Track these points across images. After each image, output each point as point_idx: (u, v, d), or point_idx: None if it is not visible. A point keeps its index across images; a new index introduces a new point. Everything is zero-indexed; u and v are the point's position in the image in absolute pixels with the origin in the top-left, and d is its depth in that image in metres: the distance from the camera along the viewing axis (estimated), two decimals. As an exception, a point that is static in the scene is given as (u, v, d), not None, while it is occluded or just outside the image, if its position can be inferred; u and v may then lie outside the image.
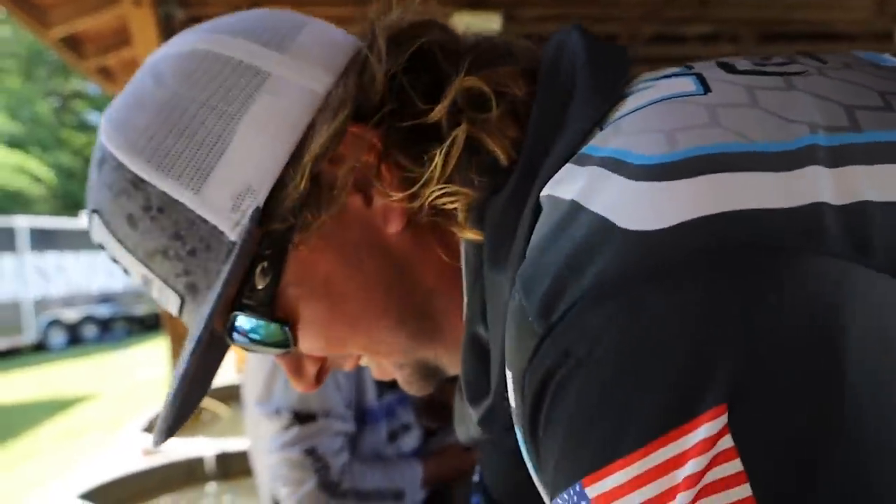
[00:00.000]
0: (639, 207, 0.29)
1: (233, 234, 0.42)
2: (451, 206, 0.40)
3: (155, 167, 0.42)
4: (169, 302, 0.45)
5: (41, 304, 12.74)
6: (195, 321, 0.44)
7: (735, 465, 0.26)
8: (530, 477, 0.37)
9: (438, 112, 0.40)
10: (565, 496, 0.30)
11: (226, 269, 0.42)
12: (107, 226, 0.45)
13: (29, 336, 12.43)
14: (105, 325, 14.19)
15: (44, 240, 12.79)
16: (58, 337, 13.10)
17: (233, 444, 2.51)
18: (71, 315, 13.34)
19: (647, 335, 0.27)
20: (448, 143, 0.39)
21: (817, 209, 0.28)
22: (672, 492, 0.26)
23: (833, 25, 4.48)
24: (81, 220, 15.04)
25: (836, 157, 0.30)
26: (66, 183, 20.93)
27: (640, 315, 0.28)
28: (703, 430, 0.26)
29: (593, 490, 0.29)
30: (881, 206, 0.28)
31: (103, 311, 14.12)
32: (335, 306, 0.45)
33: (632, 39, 3.87)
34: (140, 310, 15.01)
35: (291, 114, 0.42)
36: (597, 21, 3.79)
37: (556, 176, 0.35)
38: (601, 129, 0.35)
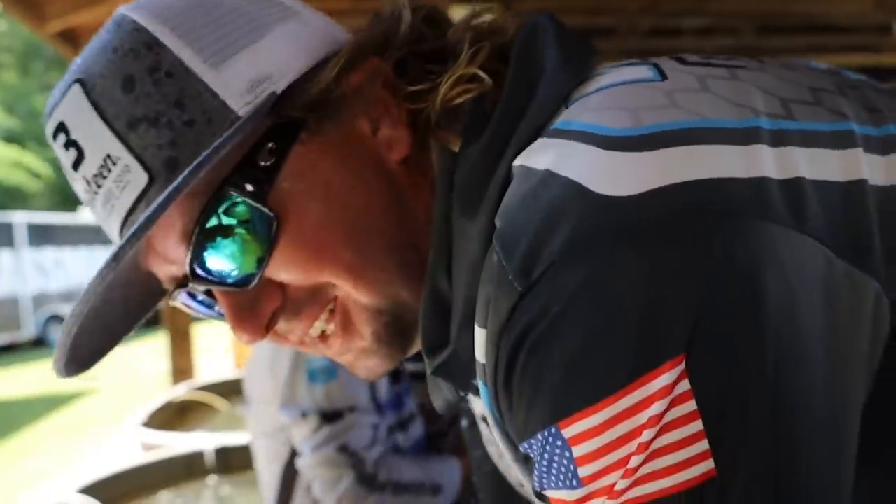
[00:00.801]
0: (609, 174, 0.32)
1: (242, 112, 0.41)
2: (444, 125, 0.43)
3: (178, 35, 0.42)
4: (128, 187, 0.41)
5: (39, 300, 12.73)
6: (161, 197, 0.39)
7: (690, 406, 0.30)
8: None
9: (454, 34, 0.43)
10: (539, 437, 0.34)
11: (226, 134, 0.39)
12: (88, 93, 0.41)
13: (27, 332, 12.42)
14: (103, 321, 14.19)
15: (42, 235, 12.78)
16: (56, 332, 13.10)
17: (232, 439, 2.52)
18: (69, 310, 13.33)
19: (615, 293, 0.31)
20: (458, 64, 0.42)
21: (764, 181, 0.32)
22: (639, 430, 0.30)
23: (832, 18, 4.48)
24: (80, 216, 15.03)
25: (777, 139, 0.34)
26: (63, 178, 20.80)
27: (609, 274, 0.31)
28: (666, 377, 0.30)
29: (569, 431, 0.32)
30: (813, 184, 0.33)
31: (102, 306, 14.12)
32: (333, 210, 0.43)
33: (629, 32, 3.86)
34: (138, 305, 15.02)
35: (317, 37, 0.45)
36: (594, 13, 3.78)
37: (529, 148, 0.37)
38: (566, 107, 0.38)
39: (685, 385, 0.30)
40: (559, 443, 0.33)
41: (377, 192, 0.44)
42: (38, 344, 12.60)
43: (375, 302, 0.45)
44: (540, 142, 0.37)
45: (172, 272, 0.44)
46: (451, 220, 0.41)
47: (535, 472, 0.36)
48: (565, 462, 0.33)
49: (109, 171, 0.41)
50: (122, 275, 0.44)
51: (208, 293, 0.46)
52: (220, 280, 0.43)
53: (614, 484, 0.31)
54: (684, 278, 0.30)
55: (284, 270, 0.43)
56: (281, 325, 0.46)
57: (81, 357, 0.46)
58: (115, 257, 0.38)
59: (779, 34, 4.29)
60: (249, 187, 0.41)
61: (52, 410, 7.35)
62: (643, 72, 0.39)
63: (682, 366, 0.30)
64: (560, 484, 0.34)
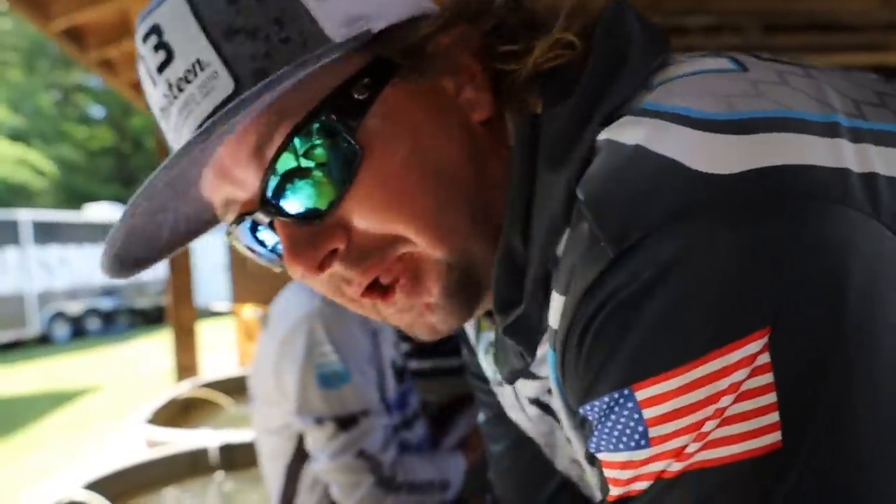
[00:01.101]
0: (706, 153, 0.33)
1: (337, 40, 0.42)
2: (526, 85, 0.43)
3: None
4: (212, 94, 0.41)
5: (44, 298, 12.77)
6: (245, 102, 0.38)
7: (768, 377, 0.31)
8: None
9: (545, 6, 0.44)
10: (605, 399, 0.35)
11: (319, 51, 0.39)
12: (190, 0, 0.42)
13: (32, 329, 12.46)
14: (108, 318, 14.23)
15: (47, 233, 12.81)
16: (61, 330, 13.14)
17: (236, 436, 2.52)
18: (74, 308, 13.37)
19: (709, 263, 0.32)
20: (556, 34, 0.42)
21: (846, 172, 0.33)
22: (717, 395, 0.31)
23: (837, 16, 4.45)
24: (85, 214, 15.06)
25: (854, 136, 0.35)
26: (68, 176, 20.94)
27: (704, 246, 0.32)
28: (750, 347, 0.31)
29: (643, 394, 0.33)
30: (886, 179, 0.34)
31: (106, 303, 14.15)
32: (418, 155, 0.43)
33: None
34: (143, 303, 15.04)
35: None
36: (599, 12, 3.77)
37: (617, 124, 0.38)
38: (649, 87, 0.39)
39: (766, 357, 0.31)
40: (630, 405, 0.34)
41: (460, 145, 0.45)
42: (43, 341, 12.64)
43: (448, 256, 0.44)
44: (628, 119, 0.38)
45: (235, 196, 0.43)
46: (533, 180, 0.41)
47: (594, 435, 0.37)
48: (632, 423, 0.34)
49: (195, 76, 0.41)
50: (178, 191, 0.44)
51: (270, 224, 0.44)
52: (289, 209, 0.42)
53: (685, 446, 0.32)
54: (775, 256, 0.31)
55: (358, 210, 0.42)
56: (339, 270, 0.44)
57: (126, 261, 0.46)
58: (186, 149, 0.37)
59: (784, 32, 4.27)
60: (339, 117, 0.41)
61: (56, 407, 7.38)
62: (723, 63, 0.40)
63: (767, 338, 0.31)
64: (622, 446, 0.35)
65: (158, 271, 14.48)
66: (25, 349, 11.95)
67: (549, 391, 0.51)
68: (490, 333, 0.57)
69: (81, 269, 13.68)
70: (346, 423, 1.25)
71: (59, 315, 13.10)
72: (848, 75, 0.42)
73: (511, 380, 0.50)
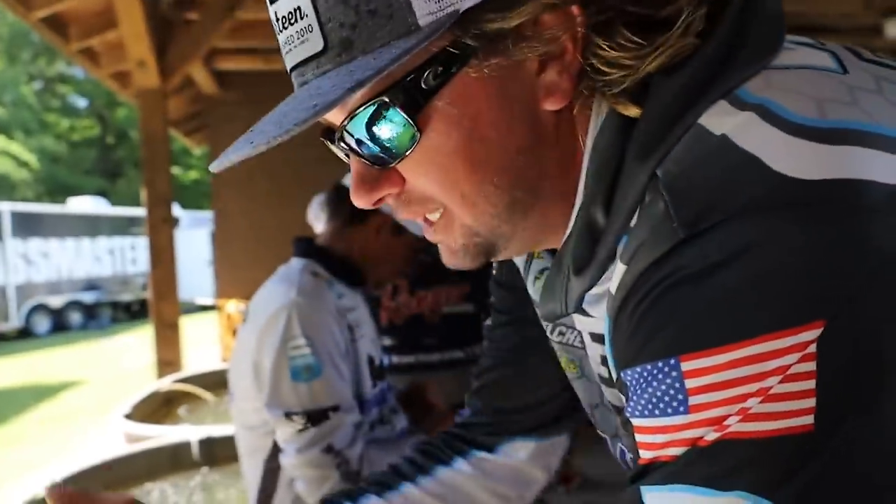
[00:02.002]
0: (789, 157, 0.36)
1: (422, 20, 0.41)
2: (620, 86, 0.43)
3: None
4: (305, 45, 0.44)
5: (25, 290, 12.62)
6: (330, 76, 0.43)
7: (811, 366, 0.33)
8: None
9: (675, 11, 0.42)
10: (648, 367, 0.38)
11: (402, 44, 0.41)
12: None
13: (12, 322, 12.33)
14: (90, 312, 14.10)
15: (27, 225, 12.66)
16: (42, 323, 13.00)
17: (218, 430, 2.51)
18: (55, 301, 13.23)
19: (775, 255, 0.34)
20: (673, 36, 0.41)
21: None
22: (764, 375, 0.34)
23: (822, 19, 4.50)
24: (67, 206, 14.89)
25: None
26: (50, 167, 20.68)
27: (774, 240, 0.34)
28: (803, 336, 0.33)
29: (689, 365, 0.36)
30: None
31: (88, 297, 14.02)
32: (471, 142, 0.45)
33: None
34: (126, 297, 14.92)
35: None
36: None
37: (711, 110, 0.39)
38: (752, 76, 0.40)
39: (814, 347, 0.33)
40: (674, 373, 0.36)
41: (517, 135, 0.46)
42: (23, 335, 12.50)
43: (476, 226, 0.49)
44: (722, 106, 0.39)
45: (331, 121, 0.48)
46: (620, 164, 0.43)
47: (630, 400, 0.40)
48: (672, 391, 0.36)
49: (295, 21, 0.44)
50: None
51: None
52: (358, 153, 0.47)
53: (725, 417, 0.34)
54: (835, 258, 0.34)
55: (409, 176, 0.47)
56: (391, 202, 0.50)
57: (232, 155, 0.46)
58: (288, 131, 0.41)
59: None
60: (407, 100, 0.43)
61: (37, 402, 7.30)
62: (826, 59, 0.42)
63: (820, 330, 0.33)
64: (657, 412, 0.37)
65: (142, 265, 14.38)
66: (5, 343, 11.81)
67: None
68: (540, 263, 0.60)
69: (63, 262, 13.54)
70: (315, 417, 1.24)
71: (40, 308, 12.96)
72: None
73: (548, 318, 0.55)
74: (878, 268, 0.34)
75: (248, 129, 0.47)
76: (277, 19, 0.46)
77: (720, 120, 0.39)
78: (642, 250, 0.39)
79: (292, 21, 0.44)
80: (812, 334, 0.33)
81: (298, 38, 0.44)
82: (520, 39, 0.43)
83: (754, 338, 0.34)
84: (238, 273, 5.72)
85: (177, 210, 12.54)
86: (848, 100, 0.38)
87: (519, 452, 0.81)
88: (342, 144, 0.47)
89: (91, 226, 14.20)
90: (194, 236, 14.13)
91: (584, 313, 0.51)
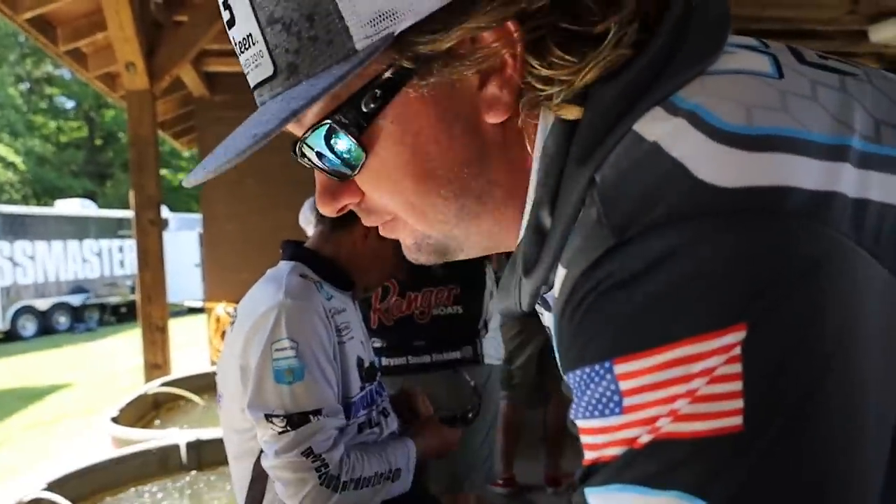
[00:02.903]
0: (714, 165, 0.37)
1: (359, 44, 0.43)
2: (556, 94, 0.44)
3: None
4: (259, 68, 0.46)
5: (11, 293, 12.50)
6: (280, 99, 0.45)
7: (737, 367, 0.34)
8: None
9: (607, 25, 0.42)
10: (587, 370, 0.39)
11: (339, 70, 0.43)
12: None
13: (-2, 325, 12.21)
14: (77, 314, 13.98)
15: (14, 227, 12.54)
16: (28, 326, 12.88)
17: (206, 434, 2.50)
18: (42, 304, 13.11)
19: (698, 261, 0.35)
20: (604, 51, 0.42)
21: (835, 196, 0.37)
22: (691, 377, 0.35)
23: (806, 23, 4.55)
24: (55, 208, 14.76)
25: (862, 161, 0.38)
26: (37, 169, 20.49)
27: (697, 246, 0.36)
28: (726, 339, 0.34)
29: (621, 368, 0.37)
30: (878, 205, 0.38)
31: (75, 299, 13.90)
32: (415, 157, 0.47)
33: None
34: (114, 299, 14.81)
35: None
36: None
37: (646, 116, 0.41)
38: (688, 81, 0.42)
39: (738, 350, 0.34)
40: (608, 376, 0.38)
41: (461, 148, 0.47)
42: (9, 337, 12.37)
43: (427, 230, 0.52)
44: (655, 112, 0.41)
45: (294, 133, 0.51)
46: (563, 169, 0.44)
47: (573, 402, 0.41)
48: (609, 393, 0.38)
49: (249, 46, 0.47)
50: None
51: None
52: (316, 166, 0.50)
53: (656, 418, 0.36)
54: (755, 263, 0.35)
55: (363, 187, 0.51)
56: (355, 210, 0.54)
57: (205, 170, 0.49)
58: (229, 161, 0.45)
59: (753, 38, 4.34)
60: (351, 122, 0.46)
61: (24, 405, 7.23)
62: (763, 64, 0.43)
63: (744, 333, 0.34)
64: (597, 413, 0.39)
65: (130, 267, 14.27)
66: (-9, 346, 11.68)
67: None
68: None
69: (50, 264, 13.42)
70: (296, 420, 1.23)
71: (26, 310, 12.84)
72: (888, 87, 0.44)
73: (506, 315, 0.58)
74: (800, 273, 0.35)
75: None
76: (236, 43, 0.48)
77: (653, 126, 0.40)
78: (578, 255, 0.40)
79: (246, 46, 0.47)
80: (736, 337, 0.34)
81: (253, 62, 0.47)
82: (455, 59, 0.44)
83: (679, 341, 0.35)
84: (227, 275, 5.70)
85: (165, 212, 12.47)
86: (777, 105, 0.39)
87: None
88: (303, 160, 0.50)
89: (79, 228, 14.09)
90: (183, 239, 14.05)
91: (549, 308, 0.52)
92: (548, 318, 0.58)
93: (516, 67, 0.45)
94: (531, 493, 3.45)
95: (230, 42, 0.50)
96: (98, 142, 23.24)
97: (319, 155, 0.48)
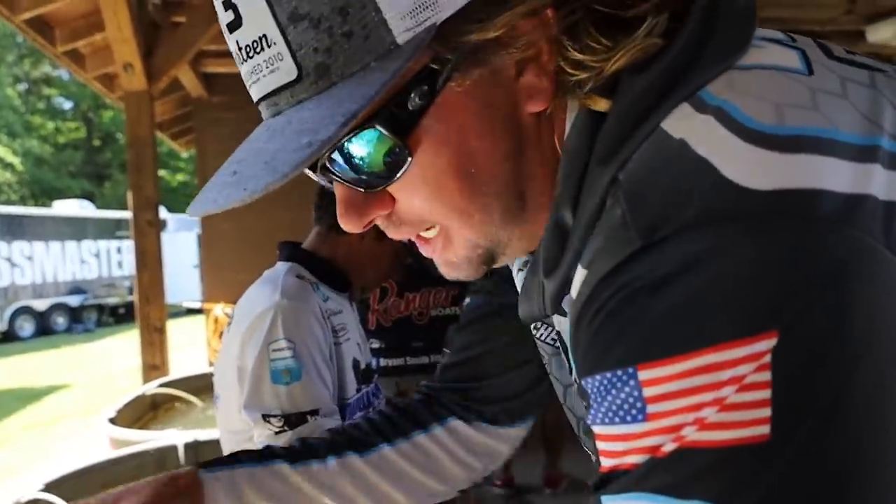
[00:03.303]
0: (744, 165, 0.36)
1: (400, 38, 0.40)
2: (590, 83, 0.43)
3: None
4: (275, 73, 0.41)
5: (9, 293, 12.48)
6: (310, 105, 0.41)
7: (767, 375, 0.33)
8: None
9: (641, 12, 0.41)
10: (608, 375, 0.37)
11: (388, 67, 0.39)
12: None
13: (-4, 326, 12.19)
14: (75, 315, 13.96)
15: (12, 228, 12.52)
16: (26, 326, 12.86)
17: (204, 434, 2.49)
18: (40, 304, 13.09)
19: (729, 266, 0.34)
20: (637, 38, 0.41)
21: (866, 199, 0.35)
22: (720, 384, 0.34)
23: (804, 24, 4.55)
24: (53, 209, 14.74)
25: (892, 162, 0.37)
26: (35, 170, 20.47)
27: (728, 250, 0.34)
28: (757, 346, 0.33)
29: (646, 374, 0.36)
30: None
31: (73, 300, 13.88)
32: (459, 155, 0.44)
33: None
34: (113, 300, 14.79)
35: None
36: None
37: (673, 113, 0.39)
38: (717, 76, 0.40)
39: (768, 358, 0.33)
40: (632, 382, 0.36)
41: (502, 142, 0.46)
42: (7, 338, 12.35)
43: (475, 238, 0.49)
44: (683, 108, 0.39)
45: None
46: (586, 166, 0.43)
47: (591, 408, 0.40)
48: (631, 400, 0.36)
49: (262, 49, 0.41)
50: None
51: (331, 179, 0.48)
52: (345, 179, 0.46)
53: (682, 426, 0.35)
54: (785, 269, 0.34)
55: (401, 197, 0.47)
56: (381, 223, 0.49)
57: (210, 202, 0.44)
58: (287, 175, 0.39)
59: (754, 39, 4.35)
60: (395, 123, 0.42)
61: (22, 406, 7.22)
62: (793, 59, 0.41)
63: (775, 341, 0.33)
64: (617, 419, 0.37)
65: (128, 268, 14.26)
66: (-11, 346, 11.66)
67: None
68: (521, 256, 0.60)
69: (48, 265, 13.41)
70: (293, 420, 1.23)
71: (25, 310, 12.82)
72: None
73: (527, 319, 0.55)
74: (831, 278, 0.34)
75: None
76: (240, 48, 0.43)
77: (680, 123, 0.39)
78: (600, 257, 0.39)
79: (258, 49, 0.42)
80: (766, 344, 0.33)
81: (267, 67, 0.42)
82: (499, 47, 0.42)
83: (708, 347, 0.34)
84: (225, 276, 5.69)
85: (163, 213, 12.45)
86: (809, 104, 0.38)
87: (490, 428, 0.84)
88: (325, 174, 0.46)
89: (77, 229, 14.06)
90: (181, 239, 14.03)
91: (564, 313, 0.51)
92: (562, 323, 0.55)
93: (552, 54, 0.43)
94: (530, 493, 3.45)
95: (229, 47, 0.44)
96: (96, 142, 23.21)
97: (346, 169, 0.44)
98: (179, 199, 20.75)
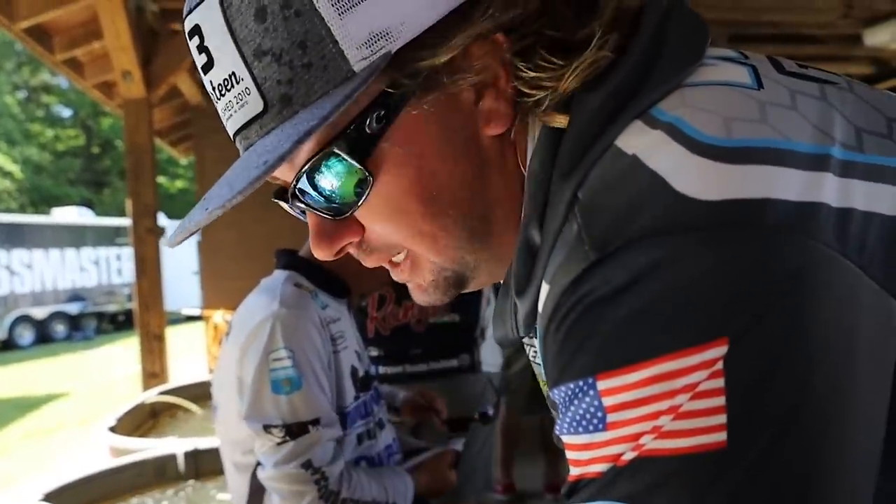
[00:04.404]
0: (693, 177, 0.36)
1: (356, 66, 0.42)
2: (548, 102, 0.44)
3: None
4: (245, 107, 0.44)
5: (8, 302, 12.47)
6: (275, 133, 0.43)
7: (720, 382, 0.34)
8: None
9: (589, 32, 0.43)
10: (571, 385, 0.39)
11: (341, 91, 0.42)
12: (224, 11, 0.44)
13: (-5, 334, 12.17)
14: (75, 323, 13.94)
15: (11, 236, 12.52)
16: (26, 335, 12.84)
17: (204, 443, 2.49)
18: (39, 312, 13.07)
19: (679, 276, 0.35)
20: (588, 54, 0.42)
21: (818, 206, 0.36)
22: (673, 392, 0.34)
23: (801, 28, 4.56)
24: (52, 217, 14.73)
25: (844, 170, 0.38)
26: (34, 177, 20.47)
27: (677, 260, 0.35)
28: (707, 354, 0.34)
29: (604, 384, 0.37)
30: (862, 214, 0.37)
31: (73, 308, 13.86)
32: (420, 179, 0.46)
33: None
34: (112, 307, 14.77)
35: None
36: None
37: (627, 130, 0.40)
38: (668, 93, 0.41)
39: (720, 364, 0.34)
40: (592, 392, 0.37)
41: (463, 165, 0.47)
42: (6, 346, 12.33)
43: (442, 261, 0.50)
44: (636, 125, 0.40)
45: (282, 178, 0.49)
46: (550, 184, 0.44)
47: (559, 418, 0.41)
48: (592, 409, 0.37)
49: (232, 86, 0.45)
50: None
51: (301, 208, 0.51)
52: (313, 207, 0.48)
53: (640, 434, 0.35)
54: (736, 277, 0.34)
55: (367, 221, 0.49)
56: (354, 252, 0.51)
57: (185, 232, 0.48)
58: (241, 192, 0.42)
59: (750, 43, 4.36)
60: (354, 147, 0.44)
61: (21, 414, 7.20)
62: (743, 75, 0.42)
63: (726, 348, 0.34)
64: (581, 429, 0.38)
65: (127, 276, 14.25)
66: (-12, 355, 11.64)
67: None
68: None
69: (47, 272, 13.39)
70: (294, 431, 1.22)
71: (24, 319, 12.80)
72: (871, 96, 0.44)
73: (502, 344, 0.56)
74: (782, 286, 0.34)
75: (232, 139, 0.47)
76: (214, 88, 0.46)
77: (633, 139, 0.40)
78: (561, 271, 0.40)
79: (228, 87, 0.45)
80: (717, 352, 0.34)
81: (238, 102, 0.45)
82: (453, 72, 0.44)
83: (661, 357, 0.35)
84: (224, 283, 5.69)
85: (163, 220, 12.44)
86: (757, 117, 0.39)
87: None
88: (297, 203, 0.48)
89: (76, 236, 14.06)
90: (180, 246, 13.99)
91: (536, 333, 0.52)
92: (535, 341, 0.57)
93: (508, 77, 0.45)
94: (530, 500, 3.44)
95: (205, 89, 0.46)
96: (95, 150, 23.22)
97: (313, 196, 0.46)
98: (178, 206, 20.75)
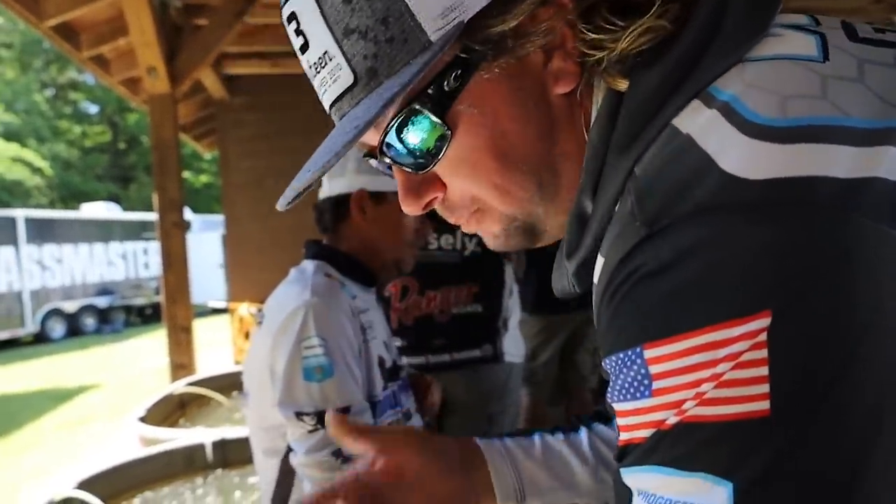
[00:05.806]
0: (742, 158, 0.37)
1: (433, 36, 0.46)
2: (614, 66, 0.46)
3: None
4: (338, 82, 0.49)
5: (40, 296, 12.74)
6: (364, 102, 0.48)
7: (763, 353, 0.35)
8: None
9: None
10: (621, 355, 0.41)
11: (420, 60, 0.46)
12: None
13: (28, 328, 12.44)
14: (104, 316, 14.21)
15: (42, 231, 12.78)
16: (57, 328, 13.12)
17: (232, 433, 2.53)
18: (70, 306, 13.35)
19: (726, 254, 0.36)
20: (647, 20, 0.44)
21: (872, 181, 0.36)
22: (715, 362, 0.36)
23: (832, 12, 4.47)
24: (80, 212, 15.01)
25: None
26: (63, 174, 20.86)
27: (723, 238, 0.36)
28: (751, 325, 0.35)
29: (651, 352, 0.39)
30: None
31: (102, 301, 14.13)
32: (494, 137, 0.50)
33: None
34: (140, 300, 15.02)
35: None
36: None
37: (686, 109, 0.42)
38: (728, 69, 0.42)
39: (763, 336, 0.35)
40: (639, 361, 0.39)
41: (534, 122, 0.50)
42: (39, 340, 12.62)
43: (512, 212, 0.54)
44: (693, 104, 0.41)
45: (370, 143, 0.53)
46: (606, 154, 0.46)
47: (610, 386, 0.43)
48: (640, 377, 0.39)
49: (325, 64, 0.49)
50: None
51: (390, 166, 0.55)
52: (399, 162, 0.52)
53: (683, 401, 0.37)
54: (782, 253, 0.35)
55: (446, 177, 0.53)
56: (440, 210, 0.56)
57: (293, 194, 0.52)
58: (338, 154, 0.47)
59: (778, 29, 4.28)
60: (433, 106, 0.48)
61: (53, 406, 7.37)
62: (808, 46, 0.42)
63: (769, 320, 0.35)
64: (629, 396, 0.41)
65: (154, 269, 14.48)
66: (21, 348, 11.92)
67: None
68: None
69: (77, 267, 13.66)
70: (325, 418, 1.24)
71: (55, 312, 13.07)
72: None
73: (561, 294, 0.59)
74: (827, 263, 0.35)
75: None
76: (310, 66, 0.51)
77: (689, 119, 0.41)
78: (615, 245, 0.42)
79: (322, 65, 0.49)
80: (760, 324, 0.35)
81: (331, 78, 0.49)
82: (521, 37, 0.47)
83: (705, 327, 0.36)
84: (250, 275, 5.75)
85: (188, 214, 12.63)
86: (817, 93, 0.39)
87: None
88: (384, 159, 0.52)
89: (104, 231, 14.31)
90: (206, 240, 14.20)
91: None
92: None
93: (574, 38, 0.47)
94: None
95: (300, 64, 0.52)
96: (121, 145, 23.59)
97: (398, 152, 0.50)
98: (204, 200, 21.03)
